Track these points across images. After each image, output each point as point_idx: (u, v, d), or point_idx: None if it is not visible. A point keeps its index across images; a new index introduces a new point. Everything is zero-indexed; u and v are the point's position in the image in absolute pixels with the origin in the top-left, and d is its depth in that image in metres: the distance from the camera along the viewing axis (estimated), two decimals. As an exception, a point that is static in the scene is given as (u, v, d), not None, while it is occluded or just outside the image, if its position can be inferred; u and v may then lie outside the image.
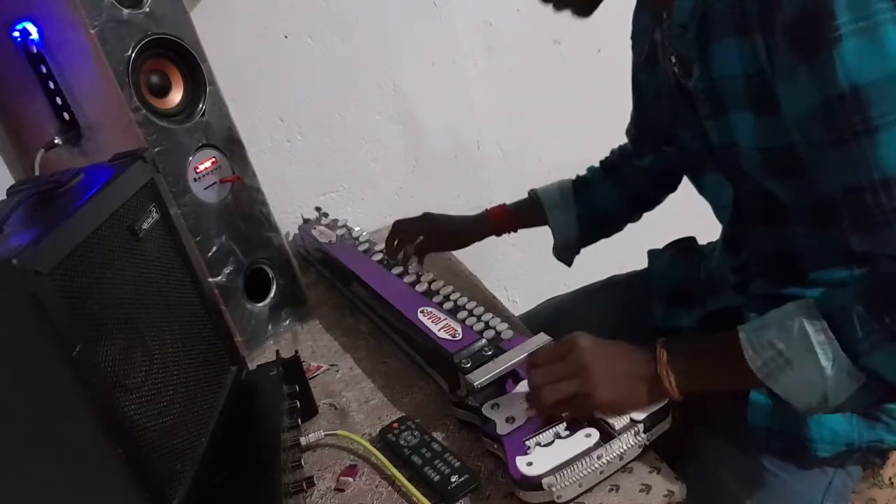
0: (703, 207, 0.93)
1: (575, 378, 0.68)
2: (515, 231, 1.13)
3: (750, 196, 0.76)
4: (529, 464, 0.65)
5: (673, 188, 1.06)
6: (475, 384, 0.73)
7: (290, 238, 1.29)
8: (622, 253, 1.14)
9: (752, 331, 0.62)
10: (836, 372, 0.58)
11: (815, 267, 0.74)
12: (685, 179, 0.94)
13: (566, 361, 0.69)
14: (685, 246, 1.01)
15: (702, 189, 0.88)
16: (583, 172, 1.11)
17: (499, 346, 0.80)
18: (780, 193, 0.72)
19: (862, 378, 0.58)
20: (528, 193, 1.11)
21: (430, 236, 1.10)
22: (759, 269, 0.80)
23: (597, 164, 1.10)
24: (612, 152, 1.10)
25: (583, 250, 1.11)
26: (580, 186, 1.07)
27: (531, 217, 1.10)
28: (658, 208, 1.10)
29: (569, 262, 1.11)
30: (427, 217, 1.13)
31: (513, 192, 1.13)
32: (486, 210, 1.12)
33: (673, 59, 0.76)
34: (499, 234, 1.13)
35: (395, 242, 1.09)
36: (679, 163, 0.90)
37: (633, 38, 0.91)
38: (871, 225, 0.58)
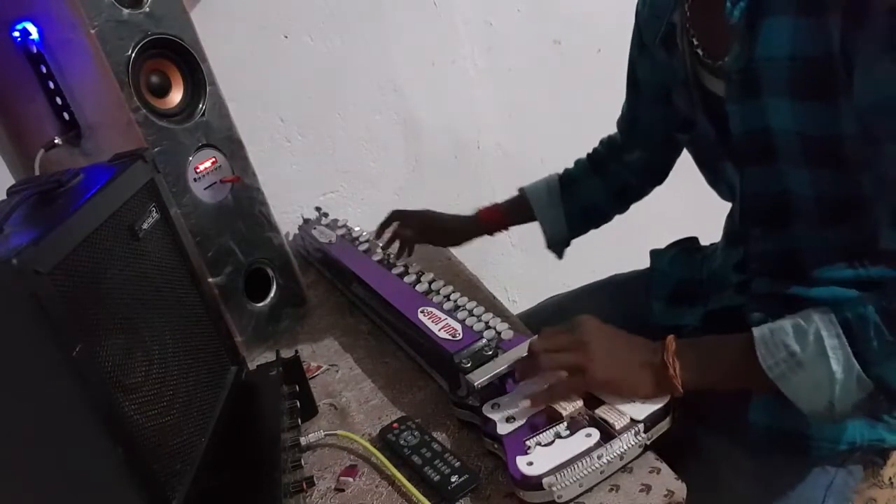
0: (706, 209, 0.93)
1: (574, 351, 0.68)
2: (507, 229, 1.15)
3: (756, 193, 0.75)
4: (530, 463, 0.64)
5: (659, 181, 1.07)
6: (475, 384, 0.73)
7: (290, 238, 1.29)
8: (623, 253, 1.14)
9: (768, 331, 0.62)
10: (845, 378, 0.58)
11: (819, 265, 0.73)
12: (688, 179, 0.94)
13: (569, 335, 0.70)
14: (687, 246, 1.01)
15: (711, 179, 0.87)
16: (570, 165, 1.12)
17: (499, 346, 0.80)
18: (801, 185, 0.70)
19: (870, 387, 0.59)
20: (518, 191, 1.13)
21: (422, 228, 1.13)
22: (761, 266, 0.80)
23: (584, 157, 1.11)
24: (601, 143, 1.10)
25: (584, 250, 1.12)
26: (567, 183, 1.09)
27: (521, 215, 1.12)
28: (661, 209, 1.10)
29: (559, 255, 1.14)
30: (425, 212, 1.15)
31: (513, 193, 1.13)
32: (478, 210, 1.14)
33: (695, 42, 0.75)
34: (491, 234, 1.15)
35: (390, 231, 1.12)
36: (695, 151, 0.89)
37: (640, 23, 0.89)
38: None
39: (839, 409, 0.60)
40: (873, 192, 0.66)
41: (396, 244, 1.13)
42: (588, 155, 1.11)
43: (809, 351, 0.59)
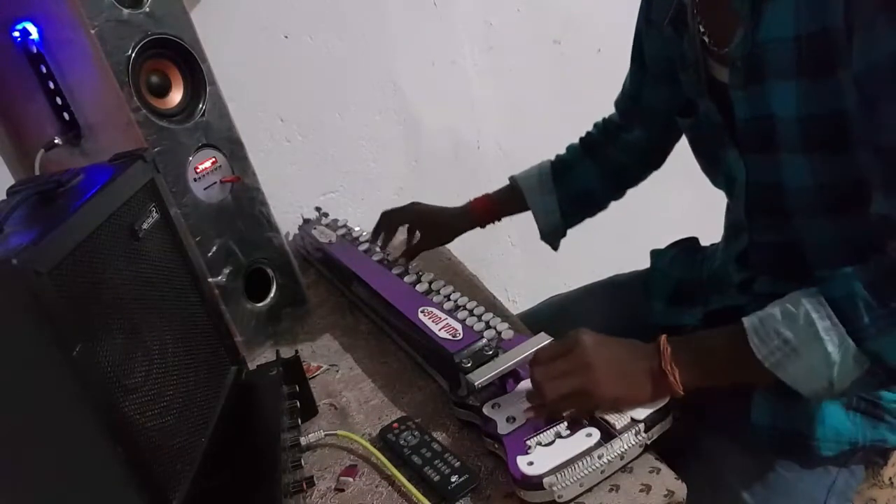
0: (706, 209, 0.93)
1: (577, 375, 0.67)
2: (500, 220, 1.12)
3: (759, 182, 0.75)
4: (530, 463, 0.65)
5: (657, 165, 1.05)
6: (476, 384, 0.73)
7: (290, 238, 1.29)
8: (623, 253, 1.13)
9: (758, 320, 0.62)
10: (842, 358, 0.58)
11: (822, 261, 0.73)
12: (688, 179, 0.94)
13: (568, 358, 0.68)
14: (688, 246, 1.01)
15: (708, 167, 0.86)
16: (562, 151, 1.10)
17: (499, 346, 0.80)
18: (803, 174, 0.69)
19: (867, 363, 0.58)
20: (508, 180, 1.10)
21: (417, 229, 1.11)
22: (762, 263, 0.80)
23: (576, 142, 1.10)
24: (595, 126, 1.09)
25: (584, 250, 1.11)
26: (559, 169, 1.06)
27: (513, 204, 1.09)
28: (661, 209, 1.09)
29: (555, 246, 1.11)
30: (415, 208, 1.13)
31: (511, 191, 1.13)
32: (470, 201, 1.12)
33: (701, 28, 0.74)
34: (483, 226, 1.12)
35: (382, 233, 1.10)
36: (695, 137, 0.88)
37: (649, 1, 0.88)
38: None
39: (838, 388, 0.60)
40: (867, 162, 0.65)
41: (398, 248, 1.12)
42: (581, 139, 1.09)
43: (803, 336, 0.59)
